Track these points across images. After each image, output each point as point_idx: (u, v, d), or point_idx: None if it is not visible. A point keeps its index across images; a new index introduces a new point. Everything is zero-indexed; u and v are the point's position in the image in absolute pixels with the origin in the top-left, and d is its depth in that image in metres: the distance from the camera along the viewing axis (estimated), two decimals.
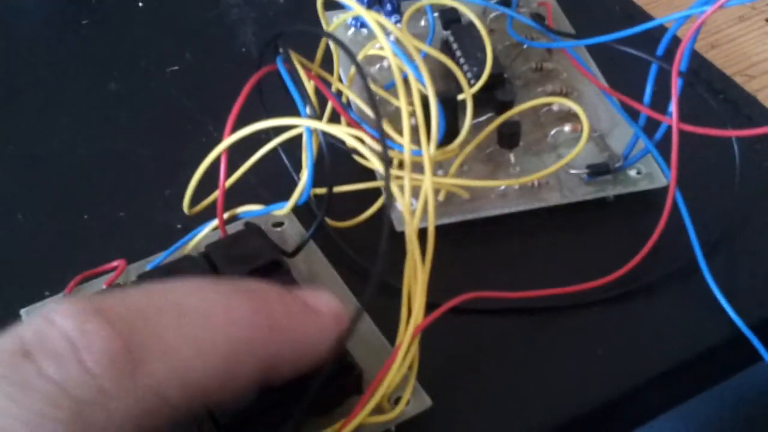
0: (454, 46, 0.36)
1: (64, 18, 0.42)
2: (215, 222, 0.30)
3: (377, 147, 0.28)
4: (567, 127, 0.35)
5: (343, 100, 0.34)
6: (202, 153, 0.29)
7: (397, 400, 0.26)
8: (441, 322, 0.27)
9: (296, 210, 0.31)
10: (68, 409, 0.18)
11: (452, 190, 0.33)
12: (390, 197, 0.25)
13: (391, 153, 0.29)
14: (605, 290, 0.31)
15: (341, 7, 0.37)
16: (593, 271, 0.31)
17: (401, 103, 0.26)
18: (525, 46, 0.38)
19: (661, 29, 0.31)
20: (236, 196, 0.30)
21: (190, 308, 0.21)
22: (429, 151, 0.27)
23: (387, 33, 0.28)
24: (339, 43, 0.28)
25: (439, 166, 0.33)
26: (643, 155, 0.33)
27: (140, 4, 0.42)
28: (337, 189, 0.31)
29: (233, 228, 0.30)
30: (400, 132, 0.29)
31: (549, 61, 0.38)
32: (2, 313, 0.29)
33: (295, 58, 0.31)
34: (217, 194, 0.30)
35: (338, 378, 0.24)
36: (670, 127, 0.31)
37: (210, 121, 0.36)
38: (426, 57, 0.31)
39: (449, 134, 0.32)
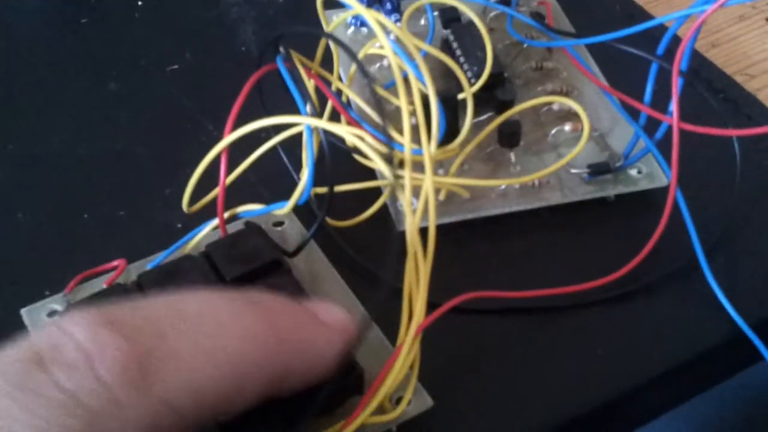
0: (454, 45, 0.36)
1: (64, 17, 0.42)
2: (215, 221, 0.30)
3: (379, 146, 0.27)
4: (567, 127, 0.35)
5: (343, 99, 0.34)
6: (202, 152, 0.29)
7: (398, 400, 0.26)
8: (441, 321, 0.27)
9: (296, 209, 0.31)
10: (81, 417, 0.18)
11: (453, 189, 0.33)
12: (399, 212, 0.25)
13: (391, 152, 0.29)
14: (606, 290, 0.31)
15: (341, 6, 0.37)
16: (593, 270, 0.31)
17: (402, 102, 0.26)
18: (525, 45, 0.38)
19: (662, 28, 0.31)
20: (236, 194, 0.30)
21: (202, 320, 0.21)
22: (430, 150, 0.27)
23: (387, 32, 0.28)
24: (340, 44, 0.28)
25: (440, 166, 0.33)
26: (643, 154, 0.33)
27: (140, 3, 0.42)
28: (338, 188, 0.31)
29: (233, 227, 0.30)
30: (400, 131, 0.29)
31: (549, 60, 0.38)
32: (3, 312, 0.29)
33: (296, 58, 0.31)
34: (215, 192, 0.30)
35: (340, 378, 0.24)
36: (670, 127, 0.31)
37: (210, 121, 0.36)
38: (426, 56, 0.31)
39: (449, 133, 0.32)
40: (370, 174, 0.33)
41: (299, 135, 0.30)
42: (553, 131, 0.35)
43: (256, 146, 0.30)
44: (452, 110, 0.33)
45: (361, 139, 0.28)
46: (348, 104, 0.34)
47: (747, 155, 0.34)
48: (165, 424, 0.20)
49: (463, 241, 0.32)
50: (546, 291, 0.30)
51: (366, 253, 0.31)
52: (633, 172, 0.34)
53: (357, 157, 0.32)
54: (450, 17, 0.37)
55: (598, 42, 0.33)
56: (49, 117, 0.37)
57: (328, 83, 0.33)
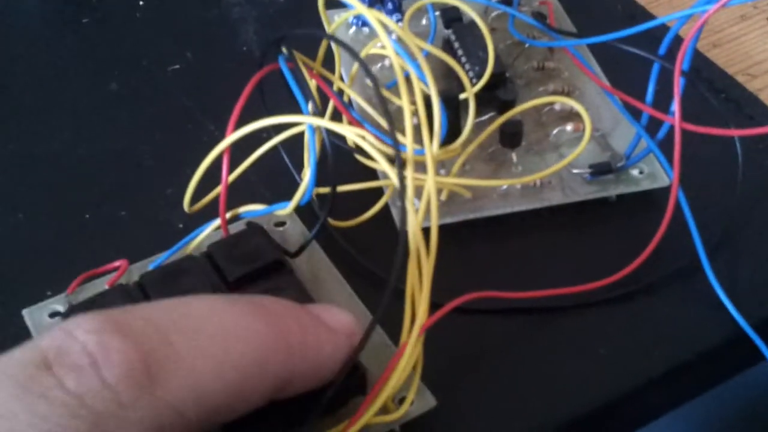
0: (456, 45, 0.36)
1: (65, 17, 0.42)
2: (217, 221, 0.30)
3: (382, 146, 0.27)
4: (569, 127, 0.35)
5: (345, 99, 0.34)
6: (203, 152, 0.29)
7: (401, 400, 0.26)
8: (443, 321, 0.27)
9: (297, 209, 0.31)
10: (86, 419, 0.19)
11: (454, 189, 0.33)
12: (405, 214, 0.25)
13: (392, 152, 0.29)
14: (608, 290, 0.31)
15: (342, 5, 0.37)
16: (595, 270, 0.31)
17: (404, 102, 0.26)
18: (527, 45, 0.38)
19: (663, 28, 0.31)
20: (237, 194, 0.30)
21: (207, 325, 0.21)
22: (432, 150, 0.27)
23: (389, 32, 0.28)
24: (344, 45, 0.28)
25: (441, 166, 0.33)
26: (645, 154, 0.33)
27: (141, 3, 0.42)
28: (339, 188, 0.31)
29: (235, 228, 0.30)
30: (401, 131, 0.29)
31: (551, 60, 0.38)
32: (4, 313, 0.29)
33: (298, 58, 0.31)
34: (216, 192, 0.30)
35: (343, 379, 0.24)
36: (672, 127, 0.31)
37: (211, 121, 0.36)
38: (427, 56, 0.31)
39: (451, 133, 0.32)
40: (371, 174, 0.33)
41: (300, 135, 0.30)
42: (555, 131, 0.35)
43: (257, 146, 0.30)
44: (454, 110, 0.33)
45: (364, 139, 0.27)
46: (350, 104, 0.34)
47: (749, 155, 0.34)
48: (169, 426, 0.20)
49: (464, 242, 0.32)
50: (548, 291, 0.30)
51: (367, 253, 0.31)
52: (635, 172, 0.34)
53: (358, 157, 0.32)
54: (451, 17, 0.37)
55: (599, 42, 0.33)
56: (50, 117, 0.37)
57: (330, 83, 0.32)
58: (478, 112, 0.33)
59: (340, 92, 0.33)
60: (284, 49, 0.30)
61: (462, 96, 0.33)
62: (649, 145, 0.33)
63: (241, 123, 0.28)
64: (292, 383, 0.22)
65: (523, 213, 0.33)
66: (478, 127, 0.34)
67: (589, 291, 0.31)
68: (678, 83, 0.30)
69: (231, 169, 0.29)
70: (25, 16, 0.42)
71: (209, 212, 0.30)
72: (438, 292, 0.27)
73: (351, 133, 0.28)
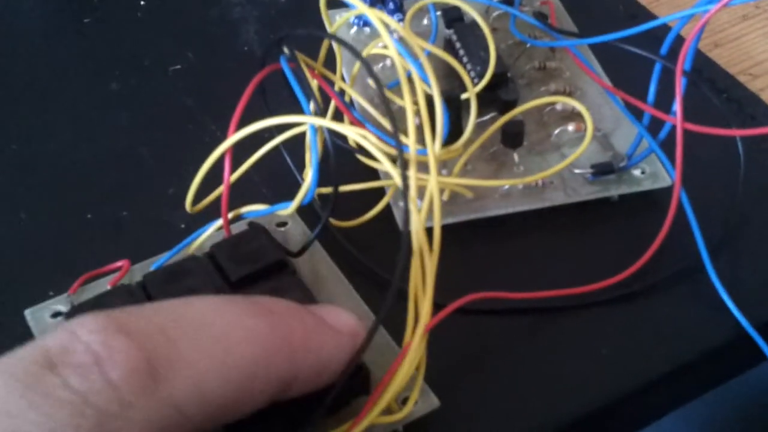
0: (457, 45, 0.36)
1: (67, 17, 0.42)
2: (219, 222, 0.30)
3: (384, 146, 0.27)
4: (571, 127, 0.35)
5: (346, 99, 0.34)
6: (205, 152, 0.29)
7: (404, 400, 0.26)
8: (446, 321, 0.27)
9: (298, 209, 0.31)
10: (90, 418, 0.19)
11: (456, 189, 0.33)
12: (408, 214, 0.25)
13: (394, 152, 0.29)
14: (610, 290, 0.31)
15: (344, 5, 0.37)
16: (597, 270, 0.31)
17: (406, 102, 0.26)
18: (528, 45, 0.38)
19: (664, 28, 0.31)
20: (238, 194, 0.30)
21: (211, 326, 0.21)
22: (434, 150, 0.27)
23: (390, 32, 0.28)
24: (347, 46, 0.28)
25: (443, 166, 0.33)
26: (647, 154, 0.33)
27: (142, 3, 0.42)
28: (341, 188, 0.31)
29: (237, 228, 0.30)
30: (403, 131, 0.29)
31: (552, 60, 0.38)
32: (6, 313, 0.29)
33: (300, 58, 0.31)
34: (218, 192, 0.30)
35: (347, 380, 0.24)
36: (674, 127, 0.31)
37: (213, 121, 0.36)
38: (428, 56, 0.31)
39: (453, 133, 0.32)
40: (371, 174, 0.33)
41: (302, 135, 0.30)
42: (557, 131, 0.35)
43: (258, 146, 0.30)
44: (455, 110, 0.33)
45: (366, 139, 0.27)
46: (351, 104, 0.34)
47: (750, 155, 0.34)
48: (172, 426, 0.20)
49: (466, 242, 0.32)
50: (550, 293, 0.30)
51: (369, 253, 0.31)
52: (636, 172, 0.34)
53: (360, 157, 0.32)
54: (453, 17, 0.37)
55: (601, 42, 0.33)
56: (52, 117, 0.37)
57: (331, 83, 0.32)
58: (480, 112, 0.33)
59: (342, 92, 0.33)
60: (286, 49, 0.30)
61: (463, 96, 0.33)
62: (651, 145, 0.33)
63: (242, 123, 0.28)
64: (295, 384, 0.22)
65: (525, 213, 0.33)
66: (479, 127, 0.34)
67: (592, 292, 0.31)
68: (680, 83, 0.30)
69: (232, 169, 0.29)
70: (27, 16, 0.42)
71: (211, 212, 0.30)
72: (439, 291, 0.26)
73: (354, 134, 0.28)
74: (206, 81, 0.38)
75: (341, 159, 0.30)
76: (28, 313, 0.28)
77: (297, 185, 0.30)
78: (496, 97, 0.35)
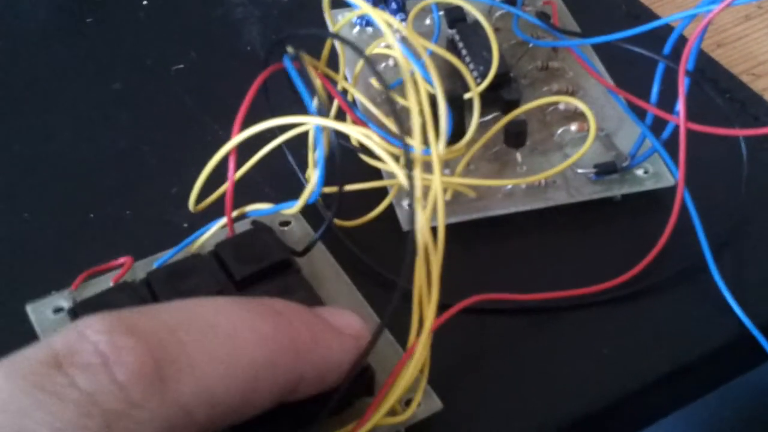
0: (460, 45, 0.36)
1: (68, 17, 0.42)
2: (223, 220, 0.29)
3: (388, 146, 0.27)
4: (573, 126, 0.35)
5: (349, 98, 0.34)
6: (207, 152, 0.29)
7: (407, 402, 0.26)
8: (447, 321, 0.27)
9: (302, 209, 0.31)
10: (97, 418, 0.19)
11: (459, 189, 0.33)
12: (414, 217, 0.25)
13: (397, 151, 0.29)
14: (613, 290, 0.31)
15: (346, 5, 0.37)
16: (599, 270, 0.31)
17: (411, 102, 0.26)
18: (531, 45, 0.38)
19: (667, 28, 0.31)
20: (240, 193, 0.30)
21: (218, 327, 0.21)
22: (438, 150, 0.27)
23: (393, 31, 0.28)
24: (350, 44, 0.28)
25: (446, 166, 0.33)
26: (650, 154, 0.33)
27: (144, 3, 0.42)
28: (345, 188, 0.31)
29: (240, 227, 0.30)
30: (406, 131, 0.29)
31: (555, 59, 0.38)
32: (8, 311, 0.29)
33: (305, 58, 0.31)
34: (221, 191, 0.30)
35: (352, 382, 0.24)
36: (677, 127, 0.31)
37: (216, 120, 0.36)
38: (431, 56, 0.31)
39: (456, 133, 0.32)
40: (373, 173, 0.33)
41: (304, 134, 0.30)
42: (559, 131, 0.35)
43: (260, 145, 0.30)
44: (458, 110, 0.33)
45: (370, 139, 0.27)
46: (353, 104, 0.34)
47: (754, 155, 0.34)
48: (179, 426, 0.20)
49: (468, 241, 0.32)
50: (553, 294, 0.30)
51: (371, 253, 0.31)
52: (639, 172, 0.34)
53: (362, 156, 0.32)
54: (455, 17, 0.37)
55: (604, 42, 0.33)
56: (54, 117, 0.37)
57: (334, 83, 0.32)
58: (483, 112, 0.33)
59: (344, 92, 0.33)
60: (291, 49, 0.30)
61: (466, 96, 0.33)
62: (654, 144, 0.33)
63: (244, 123, 0.28)
64: (301, 386, 0.22)
65: (528, 213, 0.33)
66: (482, 127, 0.34)
67: (595, 293, 0.31)
68: (682, 83, 0.30)
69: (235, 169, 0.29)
70: (29, 16, 0.42)
71: (213, 212, 0.30)
72: (441, 291, 0.26)
73: (358, 133, 0.28)
74: (208, 81, 0.38)
75: (343, 158, 0.30)
76: (29, 308, 0.28)
77: (299, 184, 0.30)
78: (498, 97, 0.35)
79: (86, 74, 0.39)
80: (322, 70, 0.32)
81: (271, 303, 0.23)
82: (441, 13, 0.38)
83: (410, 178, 0.25)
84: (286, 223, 0.31)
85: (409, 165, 0.25)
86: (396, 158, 0.27)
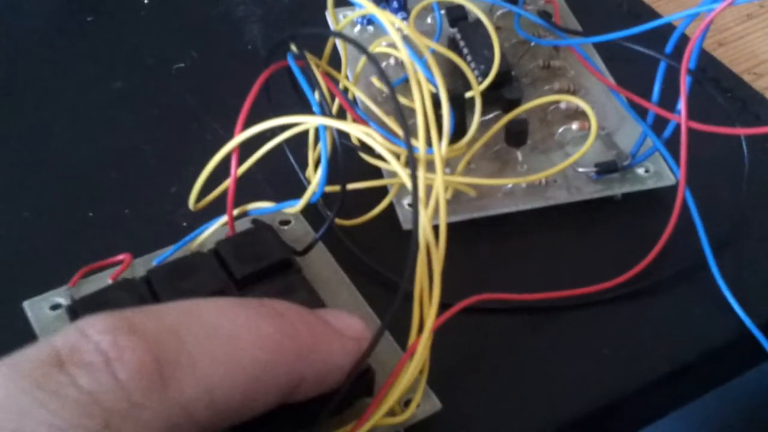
0: (461, 43, 0.36)
1: (69, 16, 0.41)
2: (224, 218, 0.29)
3: (390, 145, 0.27)
4: (574, 125, 0.35)
5: (350, 97, 0.34)
6: (208, 150, 0.29)
7: (406, 402, 0.26)
8: (448, 321, 0.27)
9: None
10: (98, 417, 0.19)
11: (459, 188, 0.32)
12: (416, 217, 0.25)
13: (398, 150, 0.29)
14: (613, 289, 0.31)
15: (348, 4, 0.37)
16: (600, 269, 0.31)
17: (416, 101, 0.26)
18: (532, 44, 0.38)
19: (668, 27, 0.31)
20: (239, 192, 0.30)
21: (220, 328, 0.21)
22: (440, 149, 0.27)
23: (396, 30, 0.28)
24: (353, 42, 0.28)
25: (447, 164, 0.33)
26: (651, 153, 0.33)
27: (145, 2, 0.42)
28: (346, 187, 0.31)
29: (240, 226, 0.30)
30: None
31: (556, 58, 0.38)
32: (6, 309, 0.29)
33: (308, 57, 0.31)
34: (221, 190, 0.29)
35: (352, 382, 0.24)
36: (678, 125, 0.31)
37: (216, 119, 0.36)
38: (432, 54, 0.31)
39: (457, 132, 0.32)
40: (373, 172, 0.32)
41: (304, 133, 0.30)
42: (561, 130, 0.35)
43: (261, 144, 0.30)
44: (459, 109, 0.33)
45: (372, 138, 0.27)
46: (354, 102, 0.34)
47: (755, 154, 0.34)
48: (180, 427, 0.20)
49: (469, 240, 0.32)
50: (554, 294, 0.30)
51: (371, 251, 0.31)
52: (640, 170, 0.34)
53: (363, 155, 0.32)
54: (457, 16, 0.37)
55: (605, 40, 0.33)
56: (54, 116, 0.37)
57: (336, 82, 0.32)
58: (484, 111, 0.33)
59: (346, 91, 0.33)
60: (294, 48, 0.30)
61: (468, 95, 0.33)
62: (655, 143, 0.33)
63: (246, 121, 0.28)
64: (302, 387, 0.22)
65: (528, 212, 0.33)
66: (483, 126, 0.34)
67: (595, 293, 0.31)
68: (684, 82, 0.30)
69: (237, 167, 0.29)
70: (29, 15, 0.42)
71: (213, 211, 0.30)
72: (441, 290, 0.26)
73: (360, 133, 0.28)
74: (209, 80, 0.38)
75: (343, 157, 0.30)
76: (26, 304, 0.28)
77: (299, 183, 0.30)
78: (500, 96, 0.35)
79: (86, 73, 0.39)
80: (324, 68, 0.32)
81: (272, 304, 0.23)
82: (442, 11, 0.38)
83: (414, 177, 0.25)
84: (286, 222, 0.31)
85: (412, 164, 0.25)
86: (397, 157, 0.27)
